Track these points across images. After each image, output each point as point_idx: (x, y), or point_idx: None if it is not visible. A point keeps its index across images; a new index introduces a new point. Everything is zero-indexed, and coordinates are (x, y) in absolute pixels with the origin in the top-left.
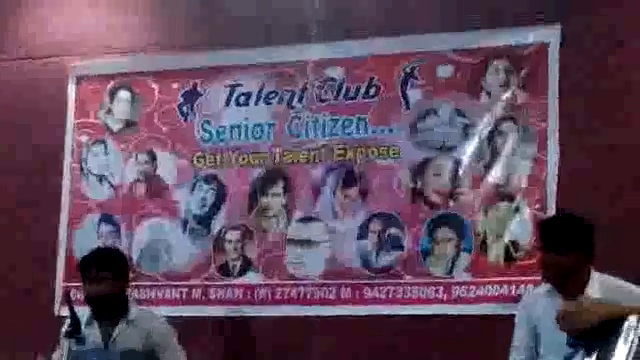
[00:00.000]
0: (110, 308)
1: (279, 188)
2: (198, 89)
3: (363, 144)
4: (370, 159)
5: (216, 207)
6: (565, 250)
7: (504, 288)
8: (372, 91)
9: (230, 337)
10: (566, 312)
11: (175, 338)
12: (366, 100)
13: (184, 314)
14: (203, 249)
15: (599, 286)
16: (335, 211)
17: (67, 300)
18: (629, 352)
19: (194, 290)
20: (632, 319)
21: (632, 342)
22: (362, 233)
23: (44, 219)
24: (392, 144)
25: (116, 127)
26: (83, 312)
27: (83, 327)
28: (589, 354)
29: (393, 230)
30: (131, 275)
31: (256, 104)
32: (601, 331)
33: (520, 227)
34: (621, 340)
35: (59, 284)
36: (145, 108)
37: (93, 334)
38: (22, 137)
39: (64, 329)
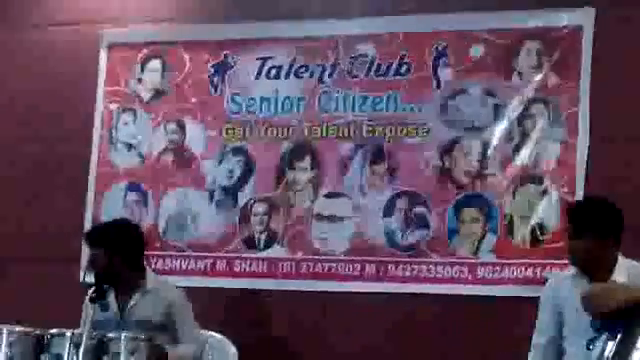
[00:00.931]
0: (109, 282)
1: (307, 163)
2: (229, 61)
3: (392, 121)
4: (399, 137)
5: (243, 179)
6: (592, 236)
7: (529, 270)
8: (403, 69)
9: (253, 310)
10: (591, 294)
11: (191, 310)
12: (397, 77)
13: (208, 285)
14: (229, 221)
15: (626, 272)
16: (362, 188)
17: (92, 267)
18: None
19: (219, 261)
20: None
21: None
22: (388, 211)
23: (72, 186)
24: (421, 122)
25: (146, 96)
26: None
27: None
28: (613, 337)
29: (419, 209)
30: (157, 245)
31: (286, 78)
32: (626, 315)
33: (547, 210)
34: None
35: (85, 251)
36: (175, 78)
37: (110, 303)
38: (52, 104)
39: (88, 295)
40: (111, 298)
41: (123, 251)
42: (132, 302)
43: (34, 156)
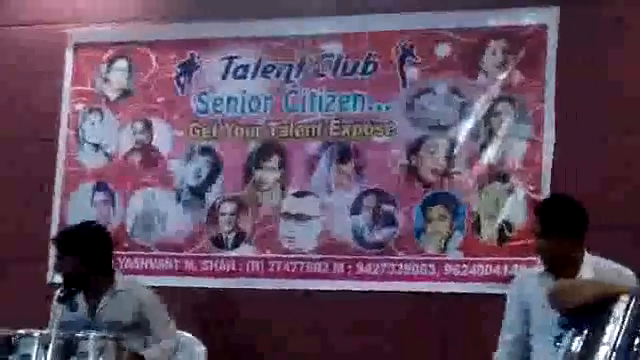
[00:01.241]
0: (78, 286)
1: (274, 162)
2: (195, 60)
3: (359, 120)
4: (366, 136)
5: (211, 179)
6: (560, 235)
7: (496, 268)
8: (369, 68)
9: (221, 309)
10: (558, 290)
11: (163, 308)
12: (363, 76)
13: (176, 285)
14: (197, 220)
15: (592, 268)
16: (329, 186)
17: (61, 271)
18: (620, 331)
19: (187, 261)
20: (623, 299)
21: (623, 322)
22: (356, 209)
23: (39, 187)
24: (388, 121)
25: (113, 96)
26: None
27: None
28: (580, 333)
29: (387, 207)
30: (125, 245)
31: (253, 77)
32: (592, 310)
33: (514, 208)
34: (612, 319)
35: (53, 251)
36: (142, 78)
37: (80, 304)
38: (18, 104)
39: (56, 295)
40: (80, 300)
41: (93, 257)
42: (102, 304)
43: (1, 156)
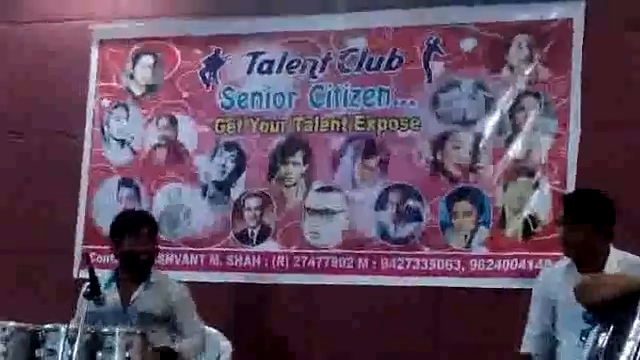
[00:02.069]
0: (144, 268)
1: (299, 157)
2: (220, 56)
3: (384, 115)
4: (390, 130)
5: (236, 174)
6: (589, 226)
7: (521, 263)
8: (395, 62)
9: (247, 304)
10: (584, 284)
11: (192, 301)
12: (388, 71)
13: (201, 280)
14: (222, 216)
15: (618, 263)
16: (354, 181)
17: (87, 262)
18: None
19: (212, 256)
20: None
21: None
22: (381, 204)
23: (65, 182)
24: (413, 116)
25: (138, 91)
26: (102, 274)
27: (102, 289)
28: (605, 329)
29: (412, 202)
30: None
31: (278, 72)
32: (618, 306)
33: (539, 202)
34: (638, 314)
35: (79, 247)
36: (167, 73)
37: (112, 296)
38: (45, 100)
39: (83, 290)
40: (112, 290)
41: (155, 241)
42: (136, 294)
43: (27, 152)
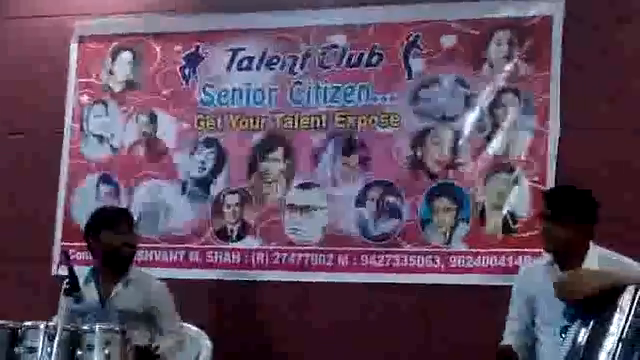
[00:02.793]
0: (124, 263)
1: (279, 154)
2: (200, 52)
3: (364, 112)
4: (371, 127)
5: (216, 171)
6: (572, 221)
7: (501, 259)
8: (374, 59)
9: (227, 301)
10: (565, 281)
11: (171, 299)
12: (368, 68)
13: (181, 277)
14: (202, 212)
15: (597, 259)
16: (334, 178)
17: (66, 259)
18: (626, 322)
19: (192, 253)
20: (629, 290)
21: (629, 313)
22: (361, 200)
23: (44, 178)
24: (393, 112)
25: (117, 88)
26: (81, 271)
27: (81, 285)
28: (586, 324)
29: (392, 198)
30: None
31: (258, 69)
32: (598, 302)
33: (519, 199)
34: (618, 310)
35: (58, 243)
36: (147, 70)
37: (91, 293)
38: (23, 96)
39: (63, 287)
40: (91, 288)
41: (134, 235)
42: (115, 291)
43: (5, 148)
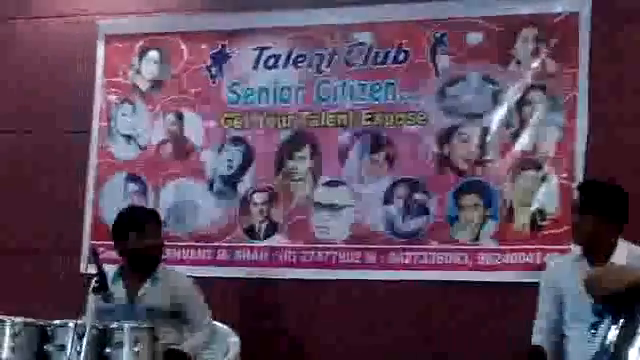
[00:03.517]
0: (150, 265)
1: (306, 151)
2: (227, 51)
3: (391, 109)
4: (397, 124)
5: (243, 169)
6: (597, 213)
7: (529, 256)
8: (401, 57)
9: (254, 299)
10: (595, 276)
11: (200, 295)
12: (395, 65)
13: (209, 275)
14: (229, 210)
15: (626, 254)
16: (361, 176)
17: (95, 257)
18: None
19: (219, 251)
20: None
21: None
22: (388, 198)
23: (72, 177)
24: (420, 110)
25: (144, 87)
26: (108, 270)
27: (110, 284)
28: (615, 321)
29: (419, 196)
30: None
31: (284, 67)
32: (629, 298)
33: (547, 196)
34: None
35: (86, 242)
36: (174, 68)
37: (119, 291)
38: (51, 96)
39: (92, 286)
40: (119, 286)
41: (161, 236)
42: (142, 289)
43: (35, 148)
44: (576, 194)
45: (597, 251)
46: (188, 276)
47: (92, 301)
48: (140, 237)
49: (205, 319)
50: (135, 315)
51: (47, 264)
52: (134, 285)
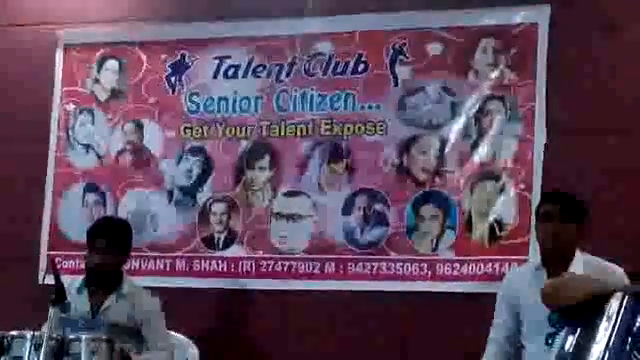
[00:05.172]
0: (106, 281)
1: (265, 162)
2: (186, 60)
3: (350, 120)
4: (357, 135)
5: (202, 179)
6: (575, 221)
7: (488, 267)
8: (360, 67)
9: (214, 309)
10: (552, 286)
11: (162, 318)
12: (354, 76)
13: (168, 285)
14: (188, 221)
15: (583, 265)
16: (321, 186)
17: (53, 268)
18: (613, 330)
19: (178, 261)
20: (617, 296)
21: (616, 320)
22: (347, 208)
23: (30, 187)
24: (379, 120)
25: (103, 96)
26: (73, 281)
27: (73, 294)
28: (572, 332)
29: (378, 206)
30: None
31: (244, 77)
32: (585, 308)
33: (505, 206)
34: (605, 318)
35: (44, 252)
36: (133, 78)
37: (82, 303)
38: (8, 105)
39: (50, 298)
40: (84, 296)
41: (129, 250)
42: (106, 304)
43: None
44: (549, 204)
45: (561, 260)
46: (147, 287)
47: (52, 313)
48: (91, 253)
49: (166, 340)
50: (97, 328)
51: (5, 274)
52: (98, 298)
